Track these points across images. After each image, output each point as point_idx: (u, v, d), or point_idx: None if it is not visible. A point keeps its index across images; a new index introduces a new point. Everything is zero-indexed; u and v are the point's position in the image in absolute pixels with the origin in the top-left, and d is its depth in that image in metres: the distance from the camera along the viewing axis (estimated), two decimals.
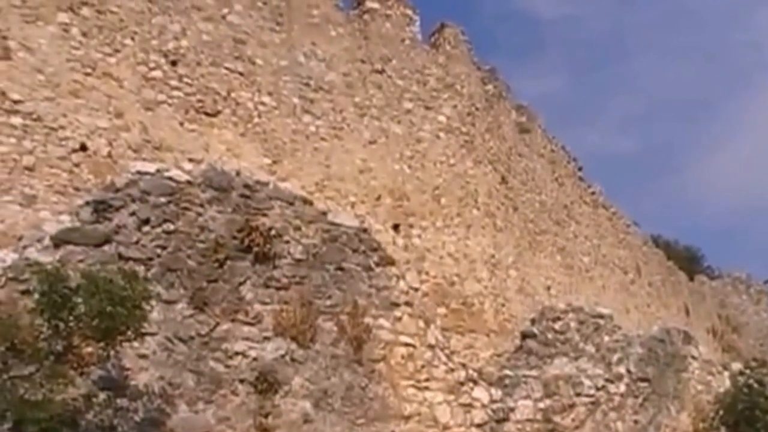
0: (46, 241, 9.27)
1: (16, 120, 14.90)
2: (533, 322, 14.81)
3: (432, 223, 20.21)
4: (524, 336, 14.67)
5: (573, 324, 14.60)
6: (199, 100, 16.81)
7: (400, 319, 11.48)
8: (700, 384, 15.34)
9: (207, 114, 16.82)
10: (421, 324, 11.74)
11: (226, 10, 17.84)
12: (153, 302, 8.84)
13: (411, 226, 19.75)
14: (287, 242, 10.56)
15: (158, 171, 9.85)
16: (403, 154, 20.03)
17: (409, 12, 21.42)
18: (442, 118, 21.22)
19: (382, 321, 11.26)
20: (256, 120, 17.47)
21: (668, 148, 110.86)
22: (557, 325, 14.52)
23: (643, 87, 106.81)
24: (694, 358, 15.49)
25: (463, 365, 12.21)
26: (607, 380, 13.72)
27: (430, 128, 20.84)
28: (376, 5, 20.67)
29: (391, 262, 11.72)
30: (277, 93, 18.01)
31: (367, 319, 11.09)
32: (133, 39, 16.42)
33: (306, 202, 10.94)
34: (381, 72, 20.13)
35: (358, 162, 18.97)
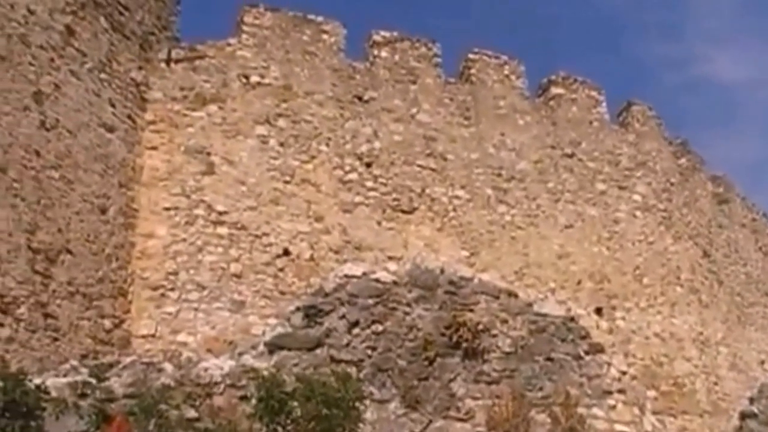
0: (261, 347, 9.54)
1: (223, 230, 15.65)
2: (752, 400, 14.07)
3: (635, 304, 19.66)
4: (743, 416, 13.95)
5: None
6: (395, 199, 17.17)
7: (614, 407, 11.13)
8: None
9: (403, 212, 17.14)
10: (636, 411, 11.34)
11: (414, 110, 18.29)
12: (366, 403, 8.92)
13: (614, 308, 19.27)
14: (495, 336, 10.51)
15: (365, 273, 10.05)
16: (601, 236, 19.69)
17: (595, 93, 21.28)
18: (637, 196, 20.80)
19: (595, 410, 10.95)
20: (451, 214, 17.67)
21: None
22: None
23: None
24: None
25: None
26: None
27: (626, 208, 20.44)
28: (561, 90, 20.66)
29: (601, 350, 11.45)
30: (471, 185, 18.18)
31: (581, 409, 10.80)
32: (327, 145, 17.05)
33: (511, 294, 10.89)
34: (572, 156, 20.00)
35: (555, 247, 18.78)
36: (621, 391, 11.27)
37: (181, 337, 14.65)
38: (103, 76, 14.84)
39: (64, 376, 8.72)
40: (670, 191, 21.71)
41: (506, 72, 20.00)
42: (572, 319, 11.45)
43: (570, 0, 53.35)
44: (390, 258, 15.80)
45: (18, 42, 12.86)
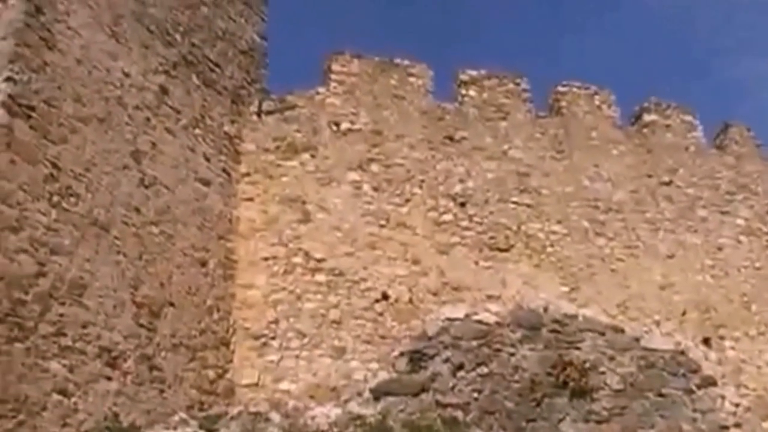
0: (366, 394, 9.53)
1: (321, 277, 15.75)
2: None
3: (745, 333, 19.04)
4: None
5: None
6: (491, 237, 17.03)
7: None
8: None
9: (500, 250, 16.97)
10: None
11: (506, 146, 18.17)
12: None
13: (722, 338, 18.69)
14: (603, 373, 10.30)
15: (467, 315, 9.98)
16: (704, 264, 19.15)
17: (690, 118, 20.80)
18: (740, 221, 20.20)
19: None
20: (549, 249, 17.41)
21: None
22: None
23: None
24: None
25: None
26: None
27: (729, 233, 19.86)
28: (654, 117, 20.27)
29: (713, 383, 11.13)
30: (567, 220, 17.92)
31: None
32: (420, 187, 17.06)
33: (617, 330, 10.67)
34: (669, 183, 19.56)
35: (657, 278, 18.31)
36: (737, 425, 10.93)
37: (283, 385, 14.72)
38: (197, 131, 15.15)
39: (174, 428, 8.84)
40: None
41: (597, 102, 19.72)
42: (682, 352, 11.16)
43: (655, 25, 52.63)
44: (489, 297, 15.66)
45: (115, 104, 13.22)
